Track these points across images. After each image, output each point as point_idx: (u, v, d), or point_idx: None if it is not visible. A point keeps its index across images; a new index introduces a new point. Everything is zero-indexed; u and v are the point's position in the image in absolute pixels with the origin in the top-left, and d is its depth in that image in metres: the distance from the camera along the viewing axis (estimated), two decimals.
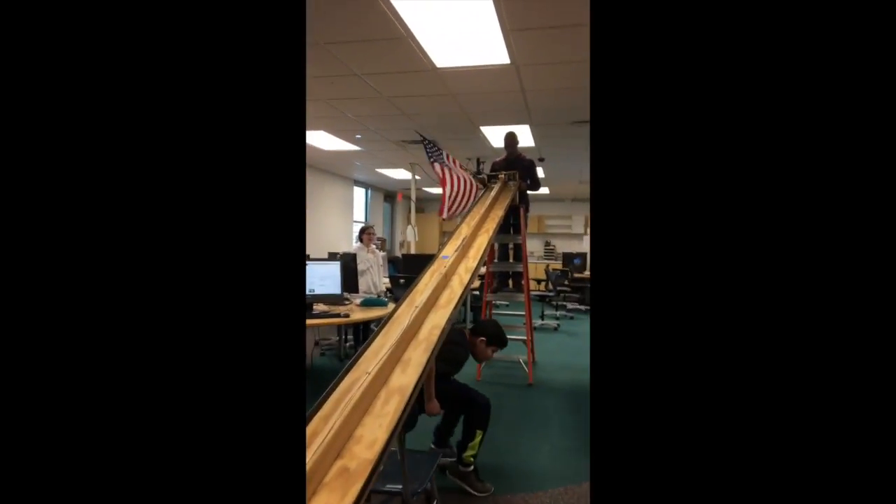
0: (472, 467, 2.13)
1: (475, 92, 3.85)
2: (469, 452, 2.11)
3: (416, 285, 2.10)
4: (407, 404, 1.34)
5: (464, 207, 3.73)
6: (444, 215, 3.69)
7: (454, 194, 3.63)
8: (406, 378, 1.46)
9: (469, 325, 3.48)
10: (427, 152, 3.72)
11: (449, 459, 2.23)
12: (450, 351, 1.99)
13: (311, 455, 1.07)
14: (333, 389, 1.33)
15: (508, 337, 2.85)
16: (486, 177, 4.03)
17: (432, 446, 2.32)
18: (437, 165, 3.67)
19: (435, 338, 1.71)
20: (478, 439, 2.11)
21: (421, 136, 3.76)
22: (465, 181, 3.68)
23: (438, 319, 1.85)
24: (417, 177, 7.66)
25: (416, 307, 1.84)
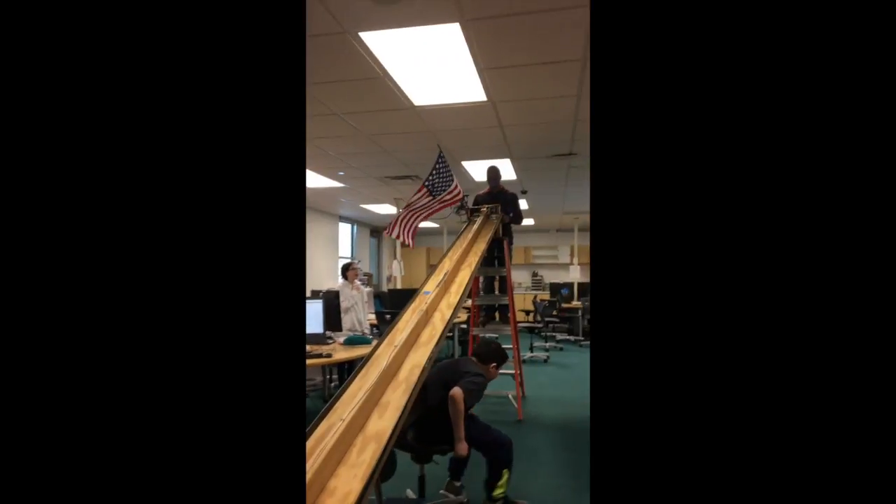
0: None
1: (454, 129, 3.92)
2: (499, 491, 2.11)
3: (396, 323, 2.06)
4: (384, 452, 1.29)
5: (408, 229, 3.83)
6: (391, 233, 3.83)
7: (405, 217, 3.73)
8: (383, 423, 1.40)
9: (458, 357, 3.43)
10: (436, 169, 3.76)
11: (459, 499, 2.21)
12: (474, 383, 2.01)
13: None
14: (307, 438, 1.27)
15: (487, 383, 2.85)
16: (469, 210, 4.06)
17: (449, 480, 2.28)
18: (424, 191, 3.73)
19: (415, 378, 1.66)
20: (505, 478, 2.12)
21: (440, 151, 3.80)
22: (426, 201, 3.76)
23: (419, 358, 1.81)
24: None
25: (396, 347, 1.80)
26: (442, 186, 3.80)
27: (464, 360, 2.46)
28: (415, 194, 3.81)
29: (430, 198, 3.78)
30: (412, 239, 4.11)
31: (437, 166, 3.73)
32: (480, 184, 4.97)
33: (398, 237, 3.96)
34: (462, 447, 1.92)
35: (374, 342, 1.99)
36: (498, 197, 4.17)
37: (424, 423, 1.99)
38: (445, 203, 3.85)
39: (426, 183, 3.76)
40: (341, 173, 5.58)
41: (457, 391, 1.91)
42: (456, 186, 3.86)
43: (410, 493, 2.37)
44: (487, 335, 4.46)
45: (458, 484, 2.26)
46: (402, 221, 3.93)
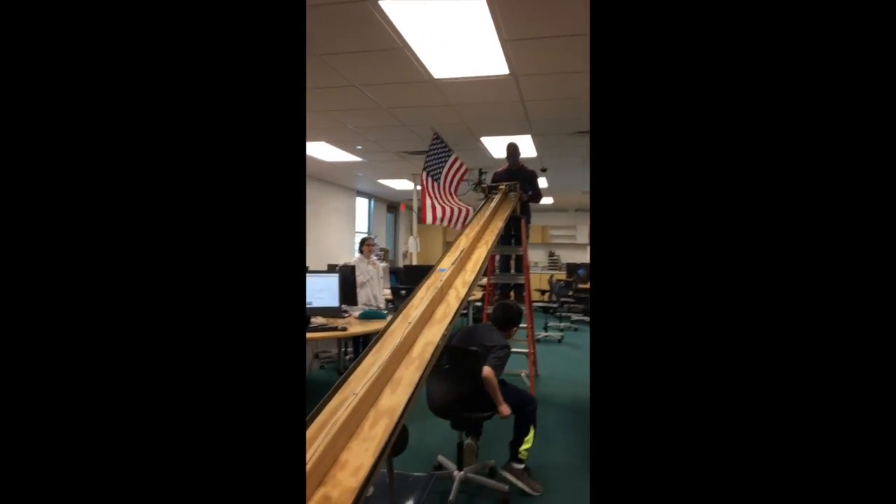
0: (524, 465, 2.28)
1: (474, 103, 3.83)
2: (525, 446, 2.27)
3: (410, 299, 2.05)
4: (396, 426, 1.29)
5: (452, 224, 3.75)
6: (427, 220, 3.77)
7: (440, 209, 3.66)
8: (396, 398, 1.40)
9: None
10: (430, 151, 3.71)
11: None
12: (499, 358, 2.17)
13: None
14: (319, 411, 1.28)
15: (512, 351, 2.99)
16: (487, 187, 4.00)
17: (509, 462, 2.31)
18: (425, 175, 3.68)
19: (428, 355, 1.65)
20: (531, 434, 2.28)
21: (435, 133, 3.75)
22: (450, 206, 3.69)
23: (433, 336, 1.80)
24: (419, 187, 7.64)
25: (410, 323, 1.79)
26: (438, 165, 3.75)
27: (483, 328, 2.48)
28: (430, 188, 3.74)
29: (437, 183, 3.74)
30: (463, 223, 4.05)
31: (434, 150, 3.68)
32: (499, 161, 4.89)
33: (451, 225, 3.90)
34: (504, 409, 2.11)
35: (389, 317, 1.99)
36: (517, 174, 4.09)
37: (469, 397, 2.13)
38: (455, 179, 3.81)
39: (430, 172, 3.71)
40: (359, 147, 5.54)
41: (488, 371, 2.07)
42: (456, 159, 3.81)
43: (445, 460, 2.41)
44: None
45: (518, 466, 2.31)
46: (444, 209, 3.84)
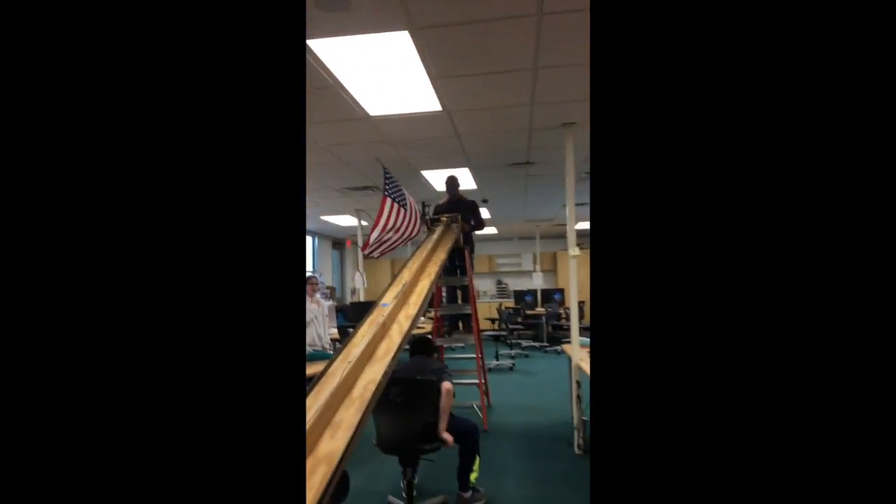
0: (471, 492, 2.37)
1: (412, 138, 3.90)
2: (475, 475, 2.38)
3: (352, 337, 2.00)
4: (335, 473, 1.22)
5: (389, 247, 3.75)
6: (365, 251, 3.75)
7: (384, 230, 3.65)
8: (335, 443, 1.34)
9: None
10: (385, 183, 3.71)
11: None
12: (447, 370, 2.32)
13: None
14: None
15: (461, 382, 3.11)
16: (429, 220, 4.03)
17: (459, 493, 2.38)
18: (386, 198, 3.67)
19: (370, 394, 1.60)
20: (477, 463, 2.38)
21: (384, 168, 3.75)
22: (403, 222, 3.69)
23: (374, 373, 1.75)
24: (364, 223, 7.58)
25: (350, 362, 1.73)
26: (400, 194, 3.77)
27: (417, 360, 2.50)
28: (389, 214, 3.72)
29: (404, 210, 3.74)
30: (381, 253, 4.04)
31: (387, 184, 3.71)
32: (441, 193, 4.96)
33: (376, 255, 3.88)
34: (447, 437, 2.17)
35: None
36: (457, 206, 4.17)
37: (425, 428, 2.13)
38: (412, 224, 3.82)
39: (394, 198, 3.71)
40: None
41: (448, 385, 2.16)
42: (411, 205, 3.84)
43: (395, 500, 2.41)
44: (454, 345, 4.43)
45: (466, 494, 2.37)
46: (382, 243, 3.82)
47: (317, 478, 1.21)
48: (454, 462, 2.36)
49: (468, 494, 2.36)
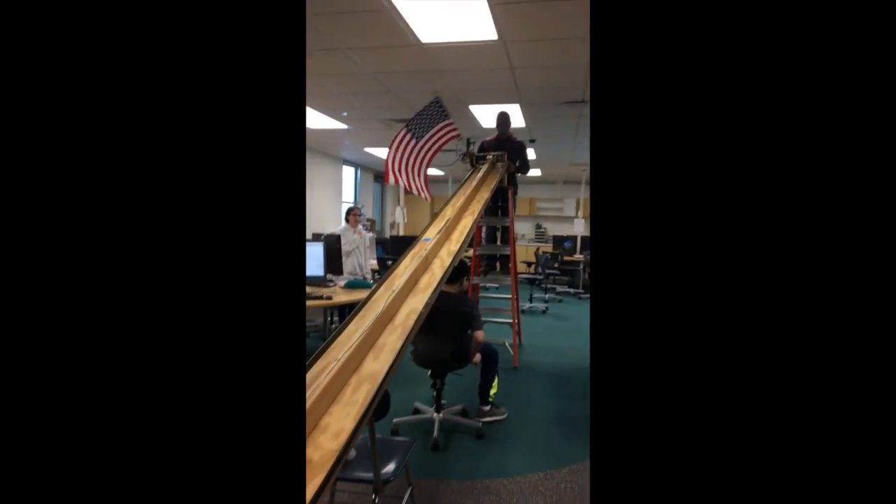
0: (490, 405, 2.79)
1: (463, 69, 3.74)
2: (494, 391, 2.82)
3: (394, 268, 2.04)
4: (378, 391, 1.30)
5: (409, 182, 3.79)
6: (389, 181, 3.80)
7: (398, 165, 3.67)
8: (378, 364, 1.41)
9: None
10: (423, 112, 3.69)
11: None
12: (480, 317, 2.60)
13: None
14: None
15: (495, 321, 3.60)
16: (475, 157, 3.95)
17: (479, 407, 2.79)
18: (405, 131, 3.67)
19: (411, 322, 1.66)
20: (496, 382, 2.82)
21: (437, 97, 3.71)
22: (412, 157, 3.70)
23: (416, 304, 1.80)
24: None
25: (394, 291, 1.78)
26: (425, 125, 3.72)
27: (443, 294, 2.60)
28: (402, 143, 3.73)
29: (416, 141, 3.71)
30: (428, 190, 4.05)
31: (428, 111, 3.64)
32: (488, 130, 4.82)
33: (412, 190, 3.91)
34: (477, 358, 2.65)
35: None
36: (504, 145, 4.04)
37: (456, 352, 2.54)
38: (437, 145, 3.78)
39: (409, 127, 3.67)
40: (345, 114, 5.41)
41: (480, 334, 2.53)
42: (450, 125, 3.77)
43: (422, 406, 2.76)
44: (489, 285, 4.49)
45: (486, 408, 2.78)
46: (404, 171, 3.85)
47: (361, 394, 1.29)
48: (475, 383, 2.79)
49: (487, 408, 2.77)
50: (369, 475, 1.43)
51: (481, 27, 2.92)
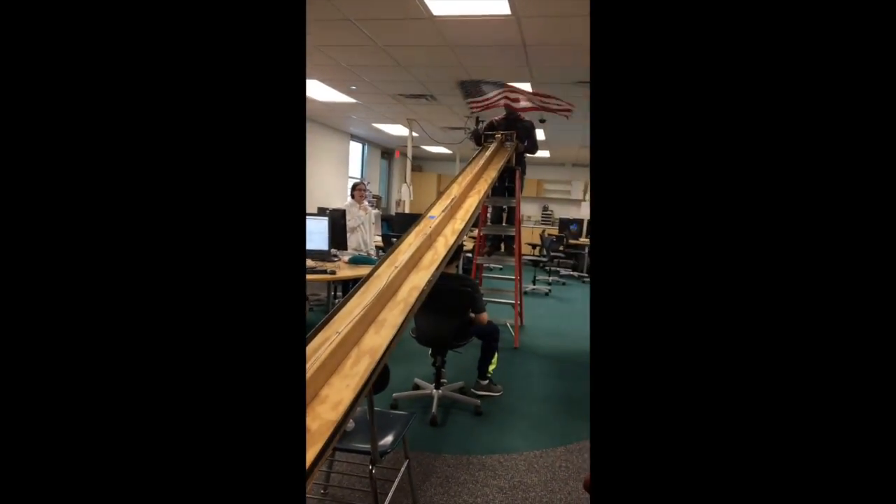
0: (488, 381, 2.86)
1: (474, 44, 3.66)
2: (493, 367, 2.88)
3: (399, 244, 2.04)
4: (378, 365, 1.31)
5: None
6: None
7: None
8: (379, 339, 1.42)
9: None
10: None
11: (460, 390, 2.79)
12: (481, 299, 2.68)
13: None
14: None
15: (496, 301, 3.49)
16: (483, 135, 3.90)
17: (478, 380, 2.86)
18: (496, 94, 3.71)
19: (413, 299, 1.66)
20: (496, 357, 2.89)
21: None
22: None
23: (419, 281, 1.80)
24: (415, 133, 7.45)
25: (397, 267, 1.79)
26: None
27: (446, 275, 2.63)
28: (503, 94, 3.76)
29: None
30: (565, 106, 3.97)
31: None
32: (496, 110, 4.74)
33: (550, 108, 3.92)
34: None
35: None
36: (514, 124, 3.99)
37: (457, 330, 2.58)
38: (546, 102, 3.83)
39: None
40: (353, 87, 5.34)
41: (485, 316, 2.63)
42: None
43: (421, 382, 2.79)
44: (492, 265, 4.49)
45: (484, 382, 2.85)
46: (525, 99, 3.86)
47: (361, 367, 1.30)
48: (475, 362, 2.82)
49: (486, 382, 2.83)
50: (367, 447, 1.46)
51: (494, 1, 2.85)
